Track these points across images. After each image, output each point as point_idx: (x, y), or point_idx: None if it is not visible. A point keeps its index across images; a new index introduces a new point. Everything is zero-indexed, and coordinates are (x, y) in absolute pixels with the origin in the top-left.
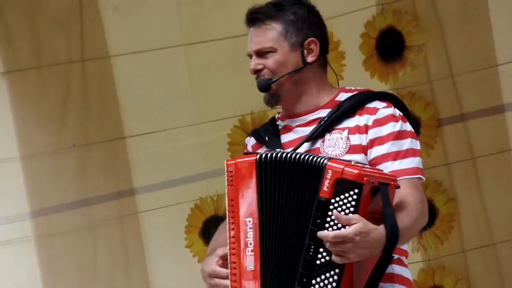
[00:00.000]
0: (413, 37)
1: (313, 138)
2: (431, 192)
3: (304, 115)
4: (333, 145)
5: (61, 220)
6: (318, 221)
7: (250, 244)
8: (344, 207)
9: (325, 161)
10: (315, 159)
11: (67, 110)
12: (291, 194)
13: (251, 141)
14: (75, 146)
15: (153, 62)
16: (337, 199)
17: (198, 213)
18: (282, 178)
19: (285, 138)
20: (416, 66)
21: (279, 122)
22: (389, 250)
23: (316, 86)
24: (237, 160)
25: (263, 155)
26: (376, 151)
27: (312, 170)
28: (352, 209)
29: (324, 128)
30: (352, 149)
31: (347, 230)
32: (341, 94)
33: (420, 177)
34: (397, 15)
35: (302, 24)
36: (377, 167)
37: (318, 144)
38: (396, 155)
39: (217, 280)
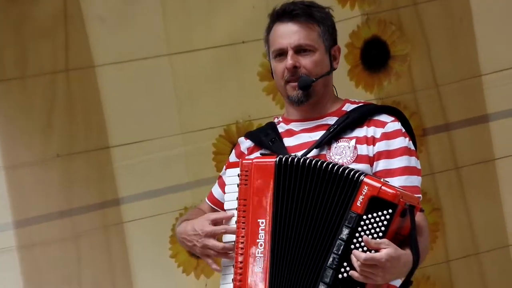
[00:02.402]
0: (397, 47)
1: (321, 145)
2: None
3: (310, 120)
4: (340, 153)
5: (45, 230)
6: (347, 235)
7: (261, 245)
8: (375, 225)
9: (362, 176)
10: (352, 172)
11: (52, 120)
12: (314, 201)
13: (246, 143)
14: (59, 156)
15: (138, 72)
16: (369, 216)
17: None
18: (304, 183)
19: (287, 142)
20: (401, 76)
21: (281, 125)
22: (412, 274)
23: (331, 92)
24: (254, 161)
25: (284, 158)
26: (383, 164)
27: (345, 182)
28: (383, 228)
29: (332, 136)
30: (359, 159)
31: (380, 255)
32: (347, 104)
33: (420, 197)
34: (382, 25)
35: (333, 30)
36: (382, 180)
37: (325, 151)
38: (403, 171)
39: (212, 241)
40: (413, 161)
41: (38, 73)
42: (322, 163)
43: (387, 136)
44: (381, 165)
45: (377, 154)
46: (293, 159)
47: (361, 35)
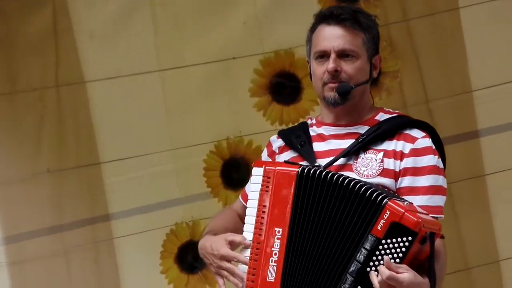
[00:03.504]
0: (388, 63)
1: (349, 154)
2: None
3: (342, 126)
4: (366, 164)
5: (35, 246)
6: (365, 257)
7: (275, 254)
8: (393, 250)
9: (386, 200)
10: (375, 193)
11: (42, 136)
12: (333, 217)
13: (277, 142)
14: (49, 172)
15: (129, 88)
16: (388, 241)
17: (173, 238)
18: (324, 197)
19: (317, 146)
20: (392, 92)
21: (313, 128)
22: None
23: (367, 100)
24: (277, 168)
25: (306, 169)
26: (408, 181)
27: (367, 203)
28: (401, 254)
29: (361, 146)
30: (385, 173)
31: (403, 276)
32: (380, 114)
33: (442, 217)
34: None
35: (376, 40)
36: (404, 196)
37: (351, 161)
38: (428, 190)
39: (226, 264)
40: (440, 180)
41: (28, 89)
42: (345, 179)
43: (416, 153)
44: (406, 181)
45: (403, 170)
46: (315, 170)
47: None
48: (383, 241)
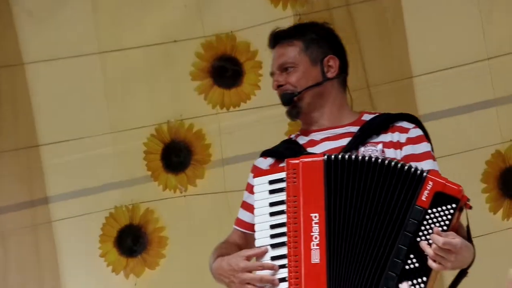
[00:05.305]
0: None
1: (349, 149)
2: None
3: (330, 129)
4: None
5: None
6: (414, 228)
7: (315, 238)
8: (440, 219)
9: (425, 172)
10: (412, 168)
11: None
12: (371, 195)
13: (265, 162)
14: None
15: (68, 70)
16: (434, 210)
17: (112, 222)
18: (359, 178)
19: (312, 150)
20: None
21: (300, 138)
22: (471, 265)
23: (337, 102)
24: (301, 160)
25: (333, 156)
26: None
27: (407, 177)
28: (447, 222)
29: (359, 140)
30: None
31: (456, 241)
32: (365, 115)
33: None
34: None
35: (322, 42)
36: None
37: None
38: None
39: (249, 275)
40: (436, 166)
41: None
42: (376, 158)
43: (412, 141)
44: None
45: (404, 158)
46: (343, 156)
47: None
48: (429, 211)
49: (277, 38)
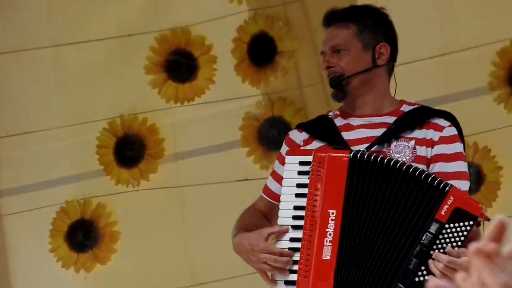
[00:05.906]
0: (284, 43)
1: (381, 141)
2: None
3: (369, 117)
4: (400, 151)
5: None
6: (429, 241)
7: (330, 234)
8: (455, 234)
9: (449, 187)
10: (437, 180)
11: None
12: (391, 201)
13: (300, 136)
14: None
15: (22, 62)
16: (451, 225)
17: (63, 216)
18: (381, 181)
19: (346, 136)
20: (288, 71)
21: (338, 119)
22: None
23: (382, 90)
24: (328, 153)
25: (359, 154)
26: (440, 167)
27: (430, 188)
28: (462, 238)
29: (393, 134)
30: (417, 159)
31: (463, 260)
32: (404, 105)
33: None
34: (269, 21)
35: (377, 29)
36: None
37: (385, 148)
38: (457, 175)
39: (266, 255)
40: (466, 167)
41: None
42: (402, 164)
43: (445, 140)
44: (437, 167)
45: (434, 157)
46: (368, 156)
47: (248, 30)
48: (446, 226)
49: (332, 18)
